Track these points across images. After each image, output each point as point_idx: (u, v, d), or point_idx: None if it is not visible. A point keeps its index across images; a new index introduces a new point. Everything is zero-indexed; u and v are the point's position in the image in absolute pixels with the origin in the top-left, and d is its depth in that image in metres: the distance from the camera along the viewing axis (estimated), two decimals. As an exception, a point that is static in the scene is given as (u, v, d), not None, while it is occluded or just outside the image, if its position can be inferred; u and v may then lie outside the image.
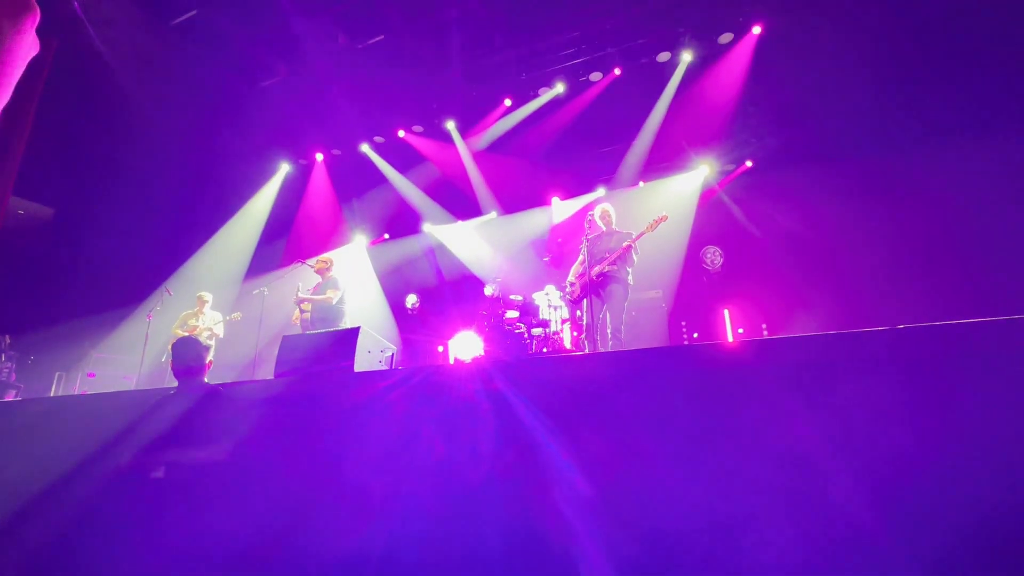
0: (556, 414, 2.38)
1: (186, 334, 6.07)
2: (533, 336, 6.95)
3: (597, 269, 4.63)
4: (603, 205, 4.97)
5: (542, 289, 7.10)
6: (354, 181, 9.35)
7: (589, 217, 4.91)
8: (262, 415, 3.06)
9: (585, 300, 4.84)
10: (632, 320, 6.84)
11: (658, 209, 8.04)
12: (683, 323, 7.00)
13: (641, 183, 8.29)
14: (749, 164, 7.61)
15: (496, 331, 6.65)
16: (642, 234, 4.59)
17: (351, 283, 7.98)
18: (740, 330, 6.74)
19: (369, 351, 3.77)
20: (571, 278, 5.03)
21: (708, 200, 7.85)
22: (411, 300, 9.62)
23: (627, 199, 8.26)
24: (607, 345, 4.57)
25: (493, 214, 9.62)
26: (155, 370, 6.42)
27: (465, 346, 8.90)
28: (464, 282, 9.30)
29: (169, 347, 6.46)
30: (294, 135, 8.54)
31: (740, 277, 7.23)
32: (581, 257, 5.08)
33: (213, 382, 3.08)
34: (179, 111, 7.71)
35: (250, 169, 8.93)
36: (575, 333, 7.21)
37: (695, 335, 6.91)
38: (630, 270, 4.68)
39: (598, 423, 2.30)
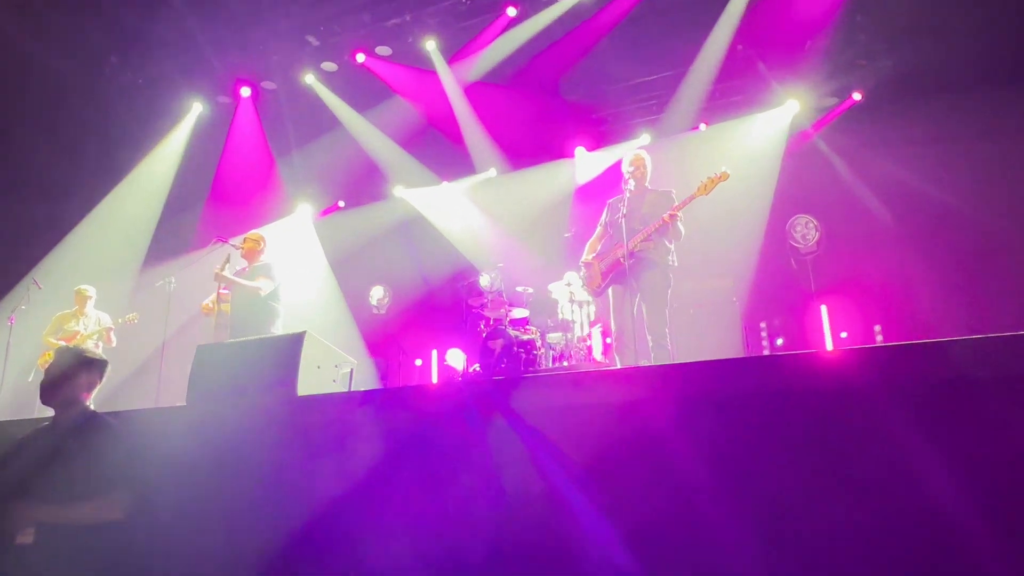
0: (582, 457, 2.36)
1: (62, 343, 6.08)
2: (549, 344, 6.94)
3: (628, 247, 4.55)
4: (635, 152, 4.93)
5: (561, 279, 7.07)
6: (296, 127, 9.27)
7: (627, 171, 4.86)
8: (168, 457, 3.09)
9: (611, 290, 4.81)
10: (689, 319, 6.83)
11: (726, 161, 7.96)
12: (762, 324, 6.98)
13: (703, 126, 8.17)
14: (857, 97, 7.50)
15: (496, 337, 6.63)
16: (691, 199, 4.54)
17: (292, 270, 7.94)
18: (844, 334, 6.69)
19: (318, 366, 3.77)
20: (587, 257, 5.00)
21: (798, 149, 7.76)
22: (377, 295, 9.62)
23: (682, 148, 8.13)
24: (648, 356, 4.53)
25: (492, 172, 9.56)
26: (20, 393, 6.42)
27: (454, 358, 8.92)
28: (451, 269, 9.25)
29: (39, 362, 6.55)
30: (209, 62, 8.46)
31: (843, 259, 7.15)
32: (600, 229, 5.02)
33: (102, 410, 3.08)
34: (46, 33, 7.65)
35: (147, 112, 8.84)
36: (608, 339, 7.16)
37: (779, 341, 6.88)
38: (672, 247, 4.63)
39: (641, 470, 2.29)
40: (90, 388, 3.00)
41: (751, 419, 2.21)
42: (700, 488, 2.16)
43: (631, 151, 4.97)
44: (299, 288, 8.37)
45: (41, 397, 2.91)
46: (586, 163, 8.99)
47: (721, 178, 4.46)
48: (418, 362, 9.39)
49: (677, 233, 4.58)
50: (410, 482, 2.62)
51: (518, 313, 7.27)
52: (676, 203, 4.64)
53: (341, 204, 10.31)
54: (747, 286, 7.27)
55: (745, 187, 7.08)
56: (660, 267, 4.57)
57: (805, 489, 2.07)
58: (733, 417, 2.24)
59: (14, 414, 6.44)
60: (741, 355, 6.51)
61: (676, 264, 4.65)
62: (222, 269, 5.27)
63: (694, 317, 6.77)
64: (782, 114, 7.83)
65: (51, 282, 6.87)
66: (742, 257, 7.44)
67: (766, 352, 6.86)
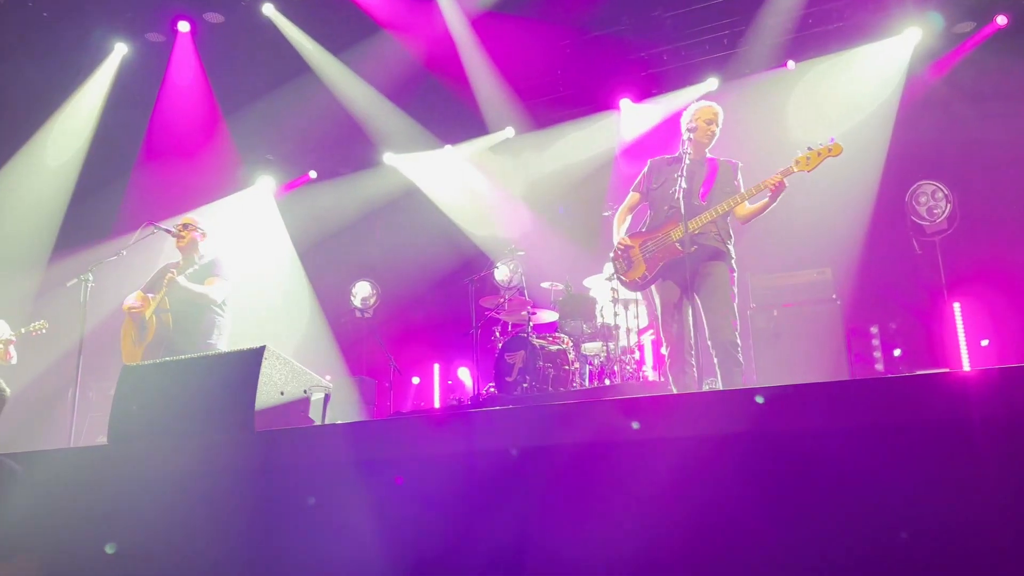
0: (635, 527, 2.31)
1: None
2: (584, 356, 6.92)
3: (688, 227, 4.48)
4: (705, 104, 4.92)
5: (601, 271, 7.04)
6: (251, 73, 9.31)
7: (688, 128, 4.83)
8: (84, 512, 3.14)
9: (655, 287, 4.85)
10: (773, 325, 6.76)
11: (823, 109, 7.86)
12: (873, 329, 6.81)
13: (791, 63, 8.10)
14: (1002, 21, 7.35)
15: (516, 348, 6.62)
16: (787, 173, 4.45)
17: (243, 264, 7.93)
18: (985, 342, 6.56)
19: (282, 391, 3.78)
20: (621, 235, 4.99)
21: (921, 94, 7.63)
22: (363, 293, 9.63)
23: (761, 94, 8.04)
24: (716, 375, 4.52)
25: (509, 132, 9.56)
26: None
27: (465, 376, 8.93)
28: (457, 258, 9.27)
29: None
30: None
31: (983, 240, 6.99)
32: (635, 195, 5.04)
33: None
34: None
35: (54, 57, 8.82)
36: (663, 350, 7.10)
37: (896, 352, 6.74)
38: (732, 233, 4.83)
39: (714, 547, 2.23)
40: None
41: (859, 470, 2.15)
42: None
43: (699, 102, 4.95)
44: (254, 287, 8.40)
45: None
46: (632, 118, 8.93)
47: (831, 152, 4.42)
48: (415, 380, 9.43)
49: (756, 212, 4.62)
50: (405, 554, 2.60)
51: (544, 316, 7.26)
52: (741, 181, 4.73)
53: (312, 175, 10.35)
54: (852, 279, 7.17)
55: (849, 145, 6.92)
56: (725, 256, 4.67)
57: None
58: (831, 466, 2.18)
59: None
60: (845, 373, 6.48)
61: (734, 255, 4.75)
62: (180, 272, 5.34)
63: (780, 321, 6.68)
64: (899, 46, 7.70)
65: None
66: (845, 240, 7.33)
67: (879, 367, 6.71)
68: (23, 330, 6.48)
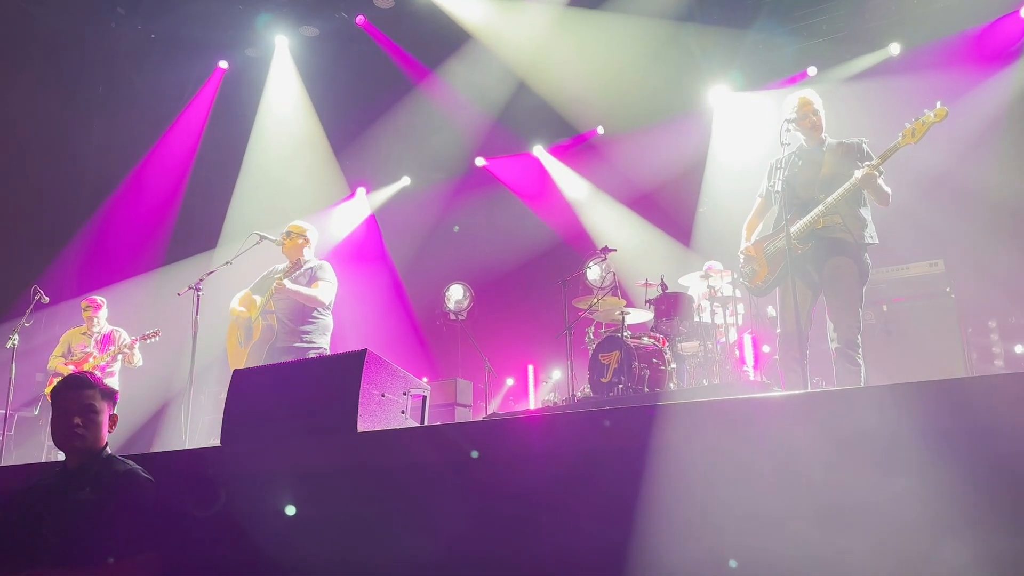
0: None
1: (71, 368, 6.50)
2: (681, 355, 6.82)
3: (803, 223, 4.49)
4: (799, 95, 4.82)
5: (700, 269, 6.96)
6: (346, 84, 9.56)
7: (787, 119, 4.75)
8: (197, 518, 3.21)
9: (778, 289, 4.77)
10: (882, 321, 6.57)
11: (930, 92, 7.60)
12: (991, 324, 6.59)
13: (894, 47, 7.85)
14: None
15: (610, 348, 6.57)
16: (894, 149, 4.32)
17: (343, 270, 8.19)
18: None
19: (384, 394, 3.80)
20: (746, 244, 4.95)
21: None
22: (456, 296, 9.73)
23: (862, 82, 7.86)
24: (832, 374, 4.44)
25: (598, 130, 9.59)
26: (27, 429, 6.91)
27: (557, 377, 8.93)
28: (549, 258, 9.31)
29: (47, 392, 7.02)
30: (233, 3, 8.71)
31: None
32: (760, 202, 4.98)
33: (119, 453, 3.18)
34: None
35: (163, 76, 9.24)
36: (766, 349, 6.95)
37: (1018, 349, 6.48)
38: (869, 218, 4.56)
39: None
40: (111, 425, 3.13)
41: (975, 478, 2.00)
42: None
43: (794, 94, 4.85)
44: (353, 292, 8.60)
45: (55, 439, 3.08)
46: (725, 112, 8.83)
47: (936, 117, 4.26)
48: (510, 381, 9.50)
49: (882, 195, 4.44)
50: (499, 554, 2.60)
51: (639, 316, 7.20)
52: (871, 156, 4.50)
53: (407, 181, 10.56)
54: (967, 270, 6.89)
55: (959, 126, 6.68)
56: (854, 248, 4.47)
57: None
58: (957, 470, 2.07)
59: (22, 457, 6.98)
60: (962, 371, 6.21)
61: (876, 241, 4.53)
62: (285, 276, 5.53)
63: (890, 317, 6.46)
64: (1012, 24, 7.45)
65: (56, 293, 7.31)
66: (958, 227, 7.05)
67: (999, 364, 6.47)
68: (135, 339, 6.80)
